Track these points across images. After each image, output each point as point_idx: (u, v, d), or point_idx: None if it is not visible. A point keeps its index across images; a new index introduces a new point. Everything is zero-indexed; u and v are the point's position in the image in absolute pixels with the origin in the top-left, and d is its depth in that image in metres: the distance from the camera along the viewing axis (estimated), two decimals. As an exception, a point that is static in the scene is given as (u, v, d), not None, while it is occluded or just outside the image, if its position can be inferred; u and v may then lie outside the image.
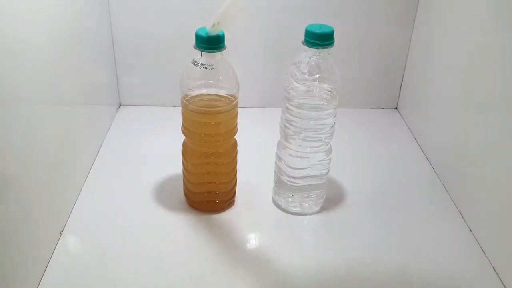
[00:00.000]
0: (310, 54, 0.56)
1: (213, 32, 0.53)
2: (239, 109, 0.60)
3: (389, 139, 0.84)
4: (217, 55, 0.55)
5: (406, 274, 0.57)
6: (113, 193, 0.67)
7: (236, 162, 0.64)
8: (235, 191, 0.66)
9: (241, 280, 0.55)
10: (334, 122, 0.60)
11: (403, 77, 0.89)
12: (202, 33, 0.54)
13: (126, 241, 0.59)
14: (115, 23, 0.81)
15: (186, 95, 0.57)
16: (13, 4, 0.47)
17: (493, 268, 0.57)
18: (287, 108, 0.58)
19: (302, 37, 0.55)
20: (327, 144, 0.61)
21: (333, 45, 0.55)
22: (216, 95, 0.58)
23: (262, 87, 0.89)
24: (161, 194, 0.67)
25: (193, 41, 0.55)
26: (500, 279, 0.56)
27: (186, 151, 0.62)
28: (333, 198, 0.67)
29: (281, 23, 0.83)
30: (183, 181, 0.65)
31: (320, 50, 0.55)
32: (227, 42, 0.55)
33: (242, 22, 0.82)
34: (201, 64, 0.55)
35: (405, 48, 0.87)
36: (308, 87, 0.56)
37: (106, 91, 0.83)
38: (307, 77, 0.56)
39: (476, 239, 0.61)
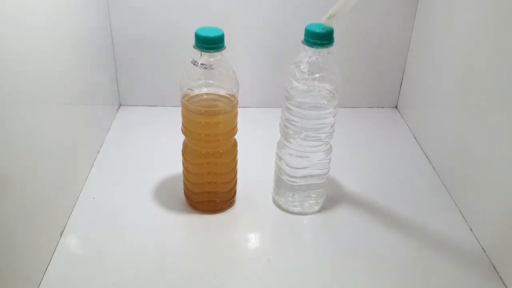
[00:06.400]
0: (310, 54, 0.55)
1: (328, 24, 0.53)
2: (239, 109, 0.60)
3: (389, 139, 0.84)
4: (217, 55, 0.55)
5: (407, 274, 0.57)
6: (113, 193, 0.67)
7: (236, 162, 0.64)
8: (235, 191, 0.66)
9: (241, 280, 0.55)
10: (334, 122, 0.60)
11: (403, 76, 0.89)
12: (202, 33, 0.54)
13: (126, 241, 0.59)
14: (115, 23, 0.81)
15: (186, 95, 0.57)
16: (13, 5, 0.47)
17: (494, 267, 0.57)
18: (287, 107, 0.58)
19: (302, 37, 0.55)
20: (327, 144, 0.61)
21: (332, 44, 0.55)
22: (216, 95, 0.58)
23: (262, 87, 0.89)
24: (161, 194, 0.67)
25: (193, 41, 0.55)
26: (500, 278, 0.56)
27: (186, 151, 0.62)
28: (333, 198, 0.67)
29: (281, 23, 0.83)
30: (183, 181, 0.65)
31: (320, 49, 0.55)
32: (227, 42, 0.55)
33: (242, 22, 0.82)
34: (201, 64, 0.55)
35: (405, 48, 0.87)
36: (308, 87, 0.56)
37: (106, 91, 0.83)
38: (307, 77, 0.56)
39: (477, 238, 0.61)
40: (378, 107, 0.93)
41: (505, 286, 0.55)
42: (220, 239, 0.61)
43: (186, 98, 0.57)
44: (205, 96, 0.58)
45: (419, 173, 0.74)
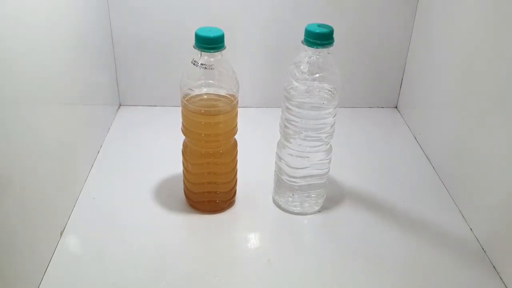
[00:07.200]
0: (310, 54, 0.55)
1: None
2: (239, 109, 0.60)
3: (389, 139, 0.84)
4: (217, 55, 0.55)
5: (407, 274, 0.57)
6: (113, 193, 0.67)
7: (236, 162, 0.64)
8: (235, 191, 0.66)
9: (241, 280, 0.55)
10: (334, 122, 0.60)
11: (403, 76, 0.89)
12: (202, 33, 0.54)
13: (126, 241, 0.59)
14: (115, 23, 0.81)
15: (186, 95, 0.57)
16: (13, 5, 0.47)
17: (494, 267, 0.57)
18: (287, 107, 0.58)
19: (302, 37, 0.55)
20: (327, 144, 0.61)
21: (332, 44, 0.55)
22: (216, 95, 0.58)
23: (262, 87, 0.89)
24: (161, 194, 0.67)
25: (193, 41, 0.55)
26: (500, 278, 0.56)
27: (186, 151, 0.62)
28: (333, 198, 0.67)
29: (281, 23, 0.82)
30: (183, 181, 0.65)
31: (320, 49, 0.55)
32: (227, 42, 0.55)
33: (242, 22, 0.82)
34: (201, 64, 0.55)
35: (405, 48, 0.87)
36: (308, 87, 0.56)
37: (106, 91, 0.83)
38: (307, 77, 0.56)
39: (477, 238, 0.61)
40: (378, 107, 0.93)
41: (505, 285, 0.55)
42: (220, 239, 0.61)
43: (186, 98, 0.57)
44: (205, 96, 0.58)
45: (419, 173, 0.74)
